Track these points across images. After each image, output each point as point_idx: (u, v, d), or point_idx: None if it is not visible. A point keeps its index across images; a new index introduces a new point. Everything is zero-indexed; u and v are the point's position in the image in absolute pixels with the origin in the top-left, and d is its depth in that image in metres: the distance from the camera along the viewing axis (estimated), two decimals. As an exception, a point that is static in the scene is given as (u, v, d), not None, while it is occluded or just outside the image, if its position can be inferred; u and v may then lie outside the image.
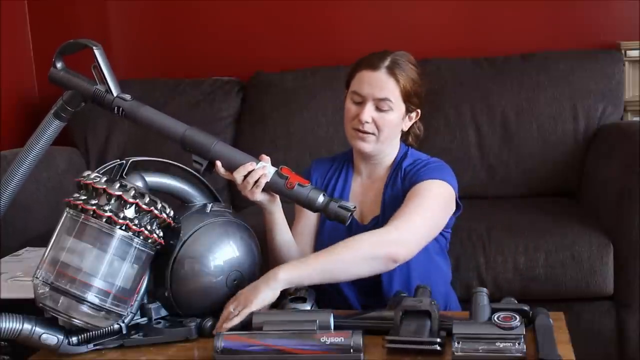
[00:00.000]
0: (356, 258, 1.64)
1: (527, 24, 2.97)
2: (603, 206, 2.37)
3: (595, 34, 2.92)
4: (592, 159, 2.60)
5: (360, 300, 1.82)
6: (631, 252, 2.19)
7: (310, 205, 1.68)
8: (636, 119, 2.80)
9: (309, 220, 1.90)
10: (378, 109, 1.78)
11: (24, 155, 1.75)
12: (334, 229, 1.81)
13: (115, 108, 1.70)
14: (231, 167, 1.69)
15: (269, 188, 1.70)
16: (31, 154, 1.75)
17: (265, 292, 1.56)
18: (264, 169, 1.68)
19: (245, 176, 1.68)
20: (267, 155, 1.72)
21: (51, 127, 1.75)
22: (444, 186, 1.78)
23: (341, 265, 1.63)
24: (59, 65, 1.75)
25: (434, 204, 1.74)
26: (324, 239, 1.85)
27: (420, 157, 1.87)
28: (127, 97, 1.71)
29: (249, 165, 1.68)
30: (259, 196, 1.70)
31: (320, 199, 1.67)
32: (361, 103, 1.79)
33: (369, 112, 1.78)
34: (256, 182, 1.68)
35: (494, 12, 2.98)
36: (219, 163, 1.69)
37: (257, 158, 1.71)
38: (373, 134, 1.79)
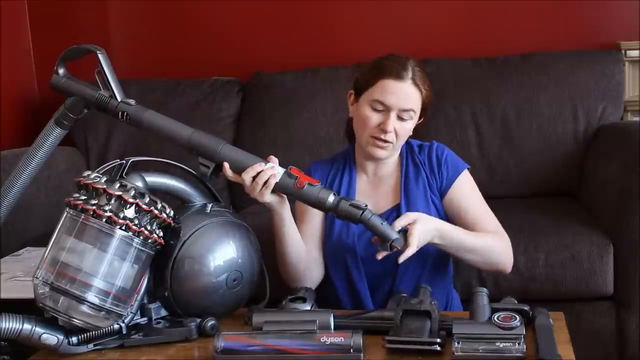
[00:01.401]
0: (485, 253, 1.78)
1: (527, 24, 2.97)
2: (603, 206, 2.37)
3: (595, 34, 2.92)
4: (592, 159, 2.60)
5: (375, 304, 1.82)
6: (631, 252, 2.19)
7: (321, 205, 1.65)
8: (636, 119, 2.80)
9: (312, 223, 1.86)
10: (400, 118, 1.77)
11: (25, 163, 1.72)
12: (342, 230, 1.82)
13: (120, 113, 1.67)
14: (239, 169, 1.66)
15: (278, 189, 1.66)
16: (32, 162, 1.72)
17: (424, 238, 1.68)
18: (273, 169, 1.65)
19: (254, 177, 1.65)
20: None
21: (52, 135, 1.72)
22: (469, 175, 1.88)
23: (471, 251, 1.76)
24: (61, 71, 1.71)
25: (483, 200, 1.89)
26: (333, 241, 1.84)
27: (419, 142, 1.91)
28: (132, 102, 1.69)
29: (258, 166, 1.65)
30: (268, 197, 1.67)
31: (331, 198, 1.64)
32: (383, 111, 1.77)
33: (393, 122, 1.76)
34: (265, 182, 1.64)
35: (494, 12, 2.98)
36: (226, 165, 1.66)
37: (264, 159, 1.68)
38: (392, 142, 1.79)
